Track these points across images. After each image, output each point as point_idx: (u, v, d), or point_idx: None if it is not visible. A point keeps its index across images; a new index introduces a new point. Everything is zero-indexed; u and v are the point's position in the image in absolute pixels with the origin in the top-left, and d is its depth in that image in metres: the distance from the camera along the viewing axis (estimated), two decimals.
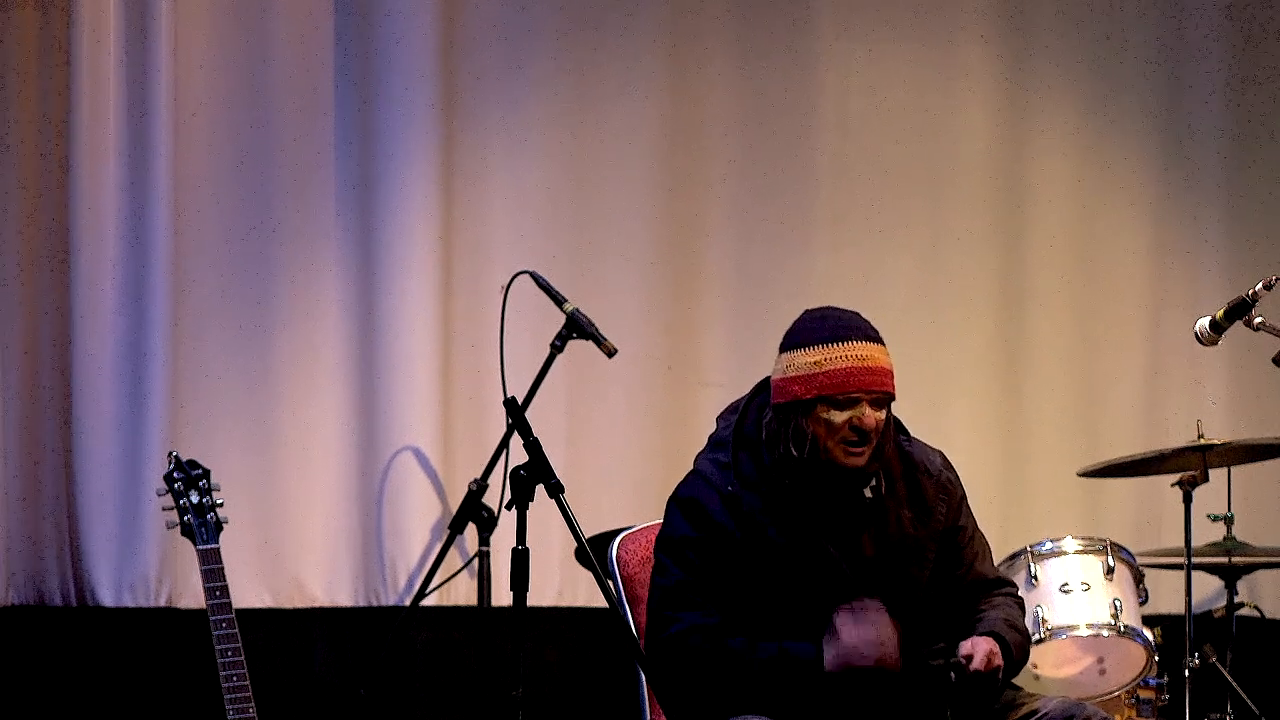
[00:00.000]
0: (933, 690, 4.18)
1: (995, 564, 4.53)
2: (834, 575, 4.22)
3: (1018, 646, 4.26)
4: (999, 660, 4.17)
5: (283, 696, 6.28)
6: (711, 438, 4.39)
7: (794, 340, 4.26)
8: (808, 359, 4.22)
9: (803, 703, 4.16)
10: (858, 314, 4.30)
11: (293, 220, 6.46)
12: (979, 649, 4.15)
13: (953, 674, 4.13)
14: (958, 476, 4.42)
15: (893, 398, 4.25)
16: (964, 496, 4.40)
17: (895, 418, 4.36)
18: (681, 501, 4.30)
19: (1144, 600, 5.80)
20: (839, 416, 4.18)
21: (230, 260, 6.43)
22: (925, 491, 4.34)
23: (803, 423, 4.20)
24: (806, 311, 4.33)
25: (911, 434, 4.46)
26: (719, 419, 4.40)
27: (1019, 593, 4.51)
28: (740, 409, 4.35)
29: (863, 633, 4.12)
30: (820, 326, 4.25)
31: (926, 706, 4.22)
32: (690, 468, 4.41)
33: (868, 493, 4.27)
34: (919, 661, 4.17)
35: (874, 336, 4.25)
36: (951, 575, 4.33)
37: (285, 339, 6.45)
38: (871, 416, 4.19)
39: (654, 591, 4.30)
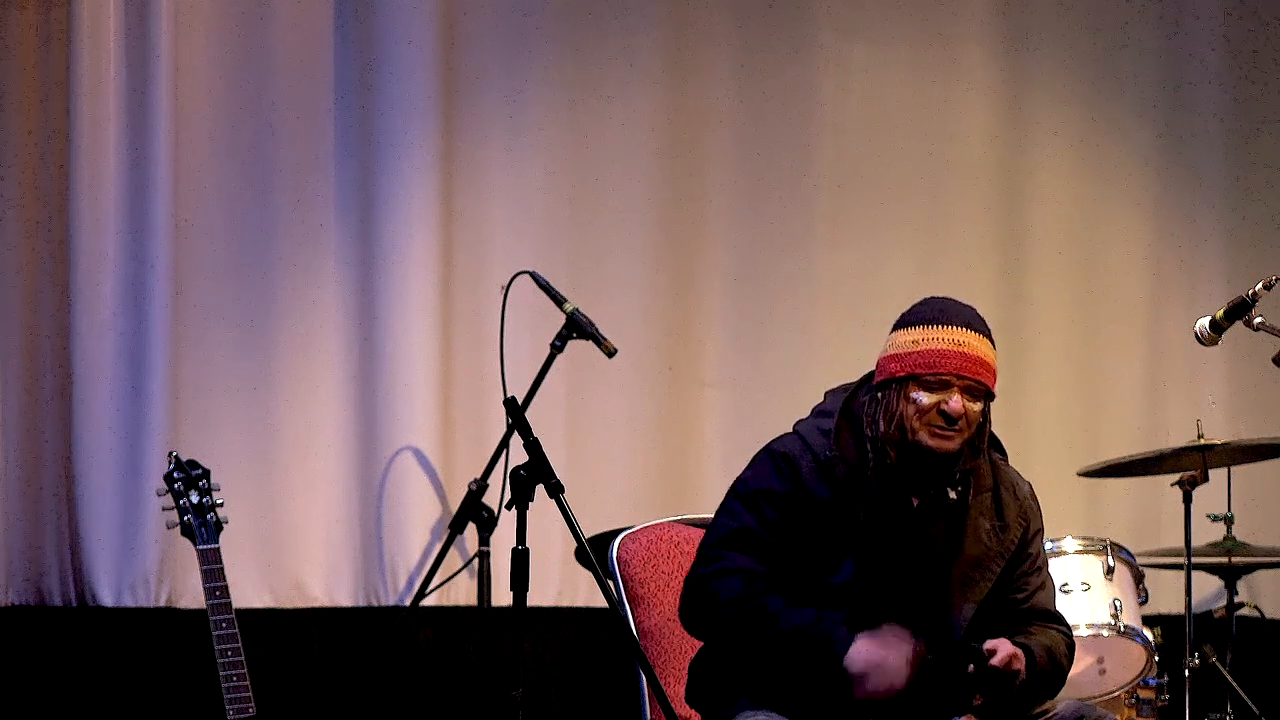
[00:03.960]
0: (952, 680, 4.19)
1: None
2: (902, 563, 4.23)
3: (1044, 672, 4.25)
4: (1020, 665, 4.18)
5: (282, 697, 6.28)
6: (817, 408, 4.39)
7: (902, 320, 4.30)
8: (908, 338, 4.24)
9: (817, 681, 4.17)
10: (973, 308, 4.30)
11: (293, 220, 6.46)
12: (1003, 648, 4.17)
13: (972, 664, 4.14)
14: (1040, 511, 4.43)
15: (989, 393, 4.24)
16: (1041, 530, 4.42)
17: (996, 437, 4.38)
18: (775, 455, 4.30)
19: (1144, 600, 5.80)
20: (927, 399, 4.19)
21: (230, 260, 6.43)
22: (1007, 508, 4.36)
23: (894, 400, 4.21)
24: (927, 297, 4.35)
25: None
26: (827, 394, 4.41)
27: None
28: (852, 388, 4.37)
29: (898, 665, 4.13)
30: (927, 310, 4.28)
31: (947, 699, 4.24)
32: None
33: (953, 494, 4.28)
34: (947, 657, 4.19)
35: (979, 328, 4.25)
36: (1009, 599, 4.35)
37: (285, 339, 6.45)
38: (959, 403, 4.18)
39: (714, 529, 4.30)
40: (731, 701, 4.27)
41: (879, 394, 4.25)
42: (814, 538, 4.23)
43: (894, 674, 4.14)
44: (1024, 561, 4.37)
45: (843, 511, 4.22)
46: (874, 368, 4.31)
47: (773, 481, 4.27)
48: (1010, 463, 4.48)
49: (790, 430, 4.37)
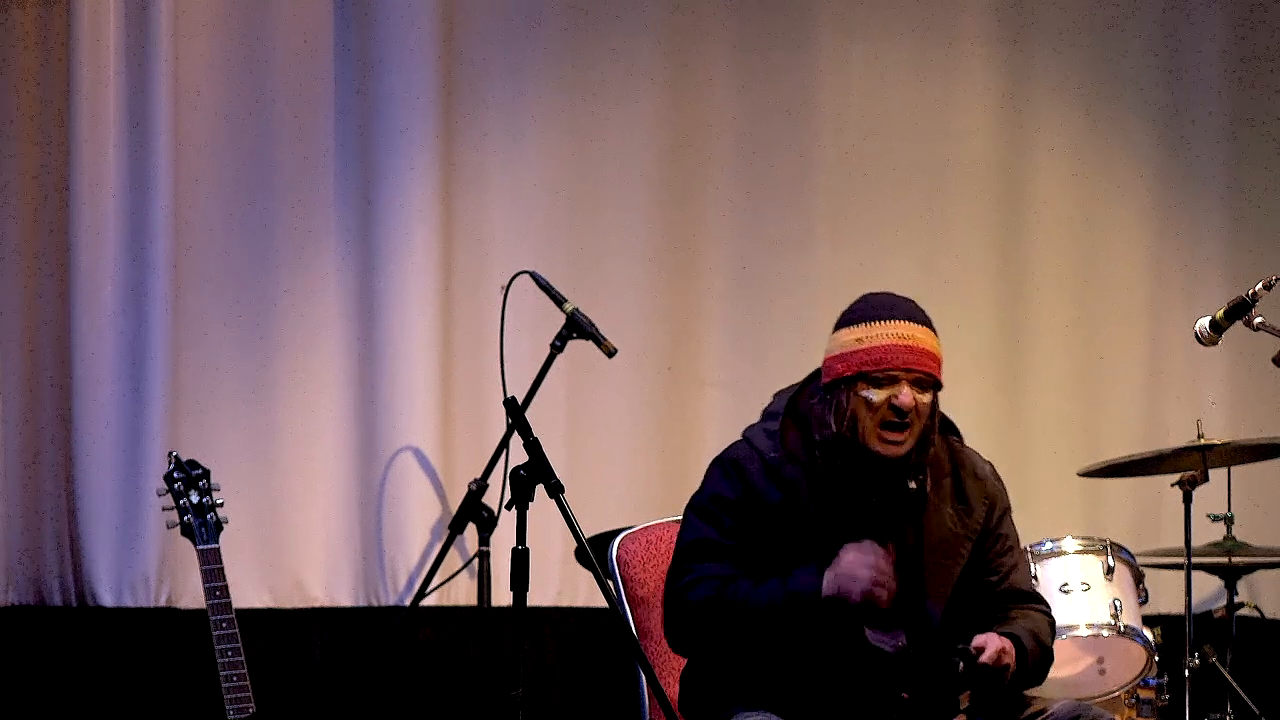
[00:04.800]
0: (942, 680, 4.19)
1: None
2: None
3: (1034, 658, 4.26)
4: (1009, 660, 4.17)
5: (282, 697, 6.28)
6: (765, 410, 4.41)
7: (843, 319, 4.31)
8: (851, 336, 4.25)
9: (805, 640, 4.17)
10: (912, 300, 4.32)
11: (293, 220, 6.47)
12: (991, 644, 4.16)
13: (961, 663, 4.14)
14: (1005, 490, 4.43)
15: (937, 383, 4.25)
16: (1009, 510, 4.42)
17: (950, 420, 4.38)
18: (723, 463, 4.32)
19: (1144, 600, 5.80)
20: (878, 395, 4.20)
21: (230, 260, 6.43)
22: (970, 491, 4.36)
23: (844, 400, 4.22)
24: (864, 294, 4.35)
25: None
26: (775, 395, 4.42)
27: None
28: (796, 388, 4.37)
29: (861, 557, 4.13)
30: (867, 306, 4.29)
31: (937, 697, 4.24)
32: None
33: (912, 484, 4.28)
34: (935, 655, 4.19)
35: (920, 319, 4.27)
36: (984, 582, 4.34)
37: (285, 339, 6.45)
38: (910, 396, 4.19)
39: (678, 544, 4.33)
40: (726, 706, 4.26)
41: (828, 395, 4.25)
42: (773, 540, 4.23)
43: (866, 563, 4.12)
44: (995, 542, 4.36)
45: (796, 511, 4.23)
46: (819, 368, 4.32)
47: (721, 487, 4.28)
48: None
49: (740, 438, 4.38)
